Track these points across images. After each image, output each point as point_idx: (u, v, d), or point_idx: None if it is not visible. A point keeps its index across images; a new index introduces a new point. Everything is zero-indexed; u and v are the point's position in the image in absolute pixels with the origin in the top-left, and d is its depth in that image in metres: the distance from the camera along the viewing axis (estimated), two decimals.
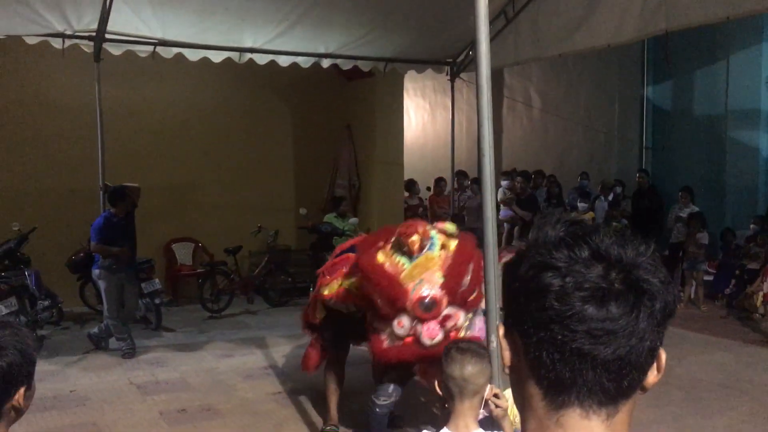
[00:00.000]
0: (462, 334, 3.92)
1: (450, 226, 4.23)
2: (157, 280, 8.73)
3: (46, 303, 8.39)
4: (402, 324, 3.89)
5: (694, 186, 10.90)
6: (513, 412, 2.60)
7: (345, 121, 12.01)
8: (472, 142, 15.46)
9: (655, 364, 0.91)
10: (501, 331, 0.96)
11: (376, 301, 3.98)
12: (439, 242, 4.01)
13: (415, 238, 3.92)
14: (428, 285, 3.87)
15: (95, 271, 7.74)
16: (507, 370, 0.97)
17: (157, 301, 8.63)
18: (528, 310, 0.89)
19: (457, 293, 3.90)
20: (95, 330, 7.91)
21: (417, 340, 3.92)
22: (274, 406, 6.09)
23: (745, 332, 8.57)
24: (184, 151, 10.73)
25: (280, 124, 11.71)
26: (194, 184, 10.93)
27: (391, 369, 4.42)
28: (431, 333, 3.89)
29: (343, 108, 11.90)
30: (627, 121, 13.21)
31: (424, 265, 3.91)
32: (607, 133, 13.41)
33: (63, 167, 9.82)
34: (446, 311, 3.90)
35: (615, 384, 0.88)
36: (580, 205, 10.97)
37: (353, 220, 10.56)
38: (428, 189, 12.62)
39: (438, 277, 3.91)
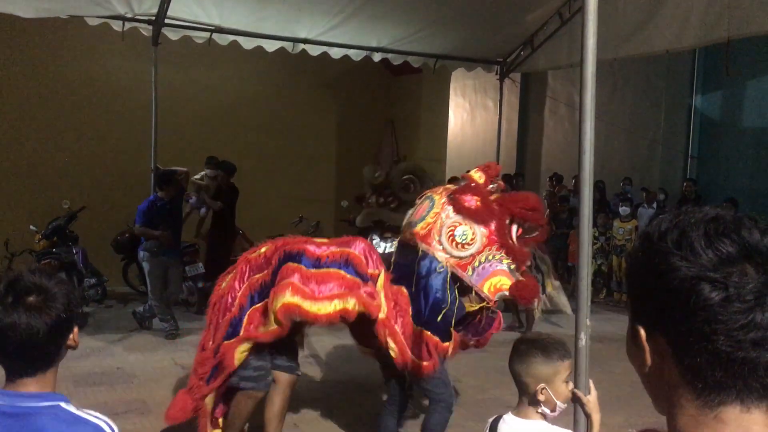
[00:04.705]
0: None
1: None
2: (200, 264, 8.84)
3: (93, 281, 8.58)
4: None
5: (739, 198, 10.73)
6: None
7: (388, 117, 12.04)
8: (512, 142, 15.40)
9: None
10: (643, 334, 0.95)
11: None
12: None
13: None
14: None
15: (140, 253, 7.86)
16: (646, 370, 0.96)
17: (199, 284, 8.73)
18: (688, 321, 0.87)
19: None
20: (140, 309, 8.02)
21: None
22: (319, 394, 6.12)
23: None
24: (229, 138, 10.84)
25: (324, 115, 11.77)
26: (238, 171, 11.03)
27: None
28: None
29: (387, 103, 11.93)
30: (673, 129, 13.01)
31: None
32: (652, 140, 13.24)
33: (116, 148, 9.98)
34: None
35: None
36: (622, 209, 10.84)
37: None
38: None
39: None
